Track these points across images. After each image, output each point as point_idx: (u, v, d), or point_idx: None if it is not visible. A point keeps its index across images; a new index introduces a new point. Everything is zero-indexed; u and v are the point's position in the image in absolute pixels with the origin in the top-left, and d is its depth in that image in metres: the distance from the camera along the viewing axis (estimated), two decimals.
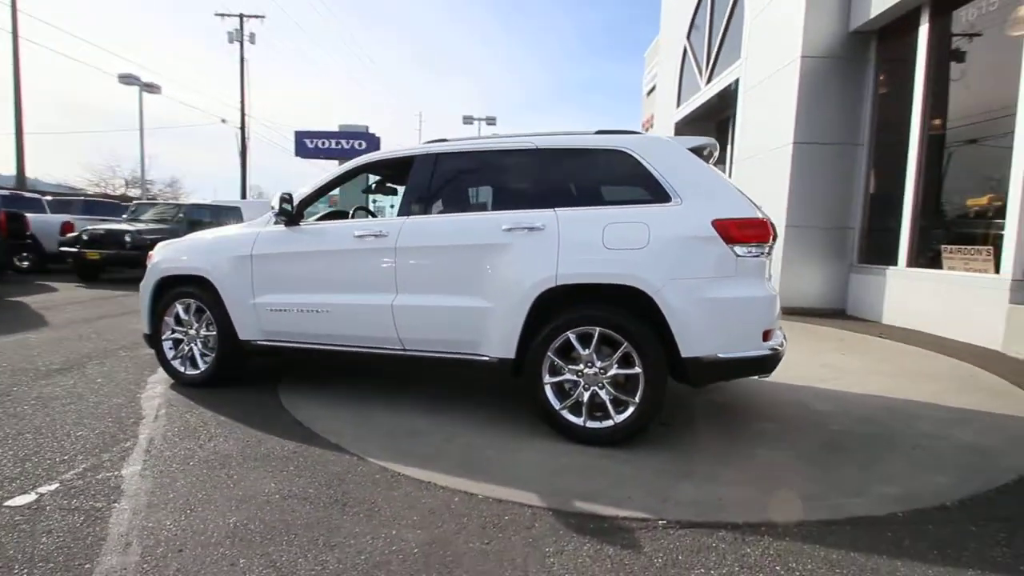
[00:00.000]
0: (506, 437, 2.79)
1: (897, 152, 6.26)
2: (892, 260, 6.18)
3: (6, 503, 2.03)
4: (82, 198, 13.40)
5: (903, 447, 2.72)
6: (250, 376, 3.76)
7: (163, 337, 3.61)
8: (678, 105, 11.55)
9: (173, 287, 3.60)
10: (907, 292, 5.89)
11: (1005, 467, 2.50)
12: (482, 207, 3.05)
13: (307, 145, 27.37)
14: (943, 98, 5.83)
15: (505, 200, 2.99)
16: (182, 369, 3.58)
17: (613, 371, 2.62)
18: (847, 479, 2.36)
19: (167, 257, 3.66)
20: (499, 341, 2.80)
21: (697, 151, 2.83)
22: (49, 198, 11.68)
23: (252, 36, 25.09)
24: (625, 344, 2.57)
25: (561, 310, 2.70)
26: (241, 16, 25.07)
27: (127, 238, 9.21)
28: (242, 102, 25.08)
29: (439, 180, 3.11)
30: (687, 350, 2.52)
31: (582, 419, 2.68)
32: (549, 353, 2.71)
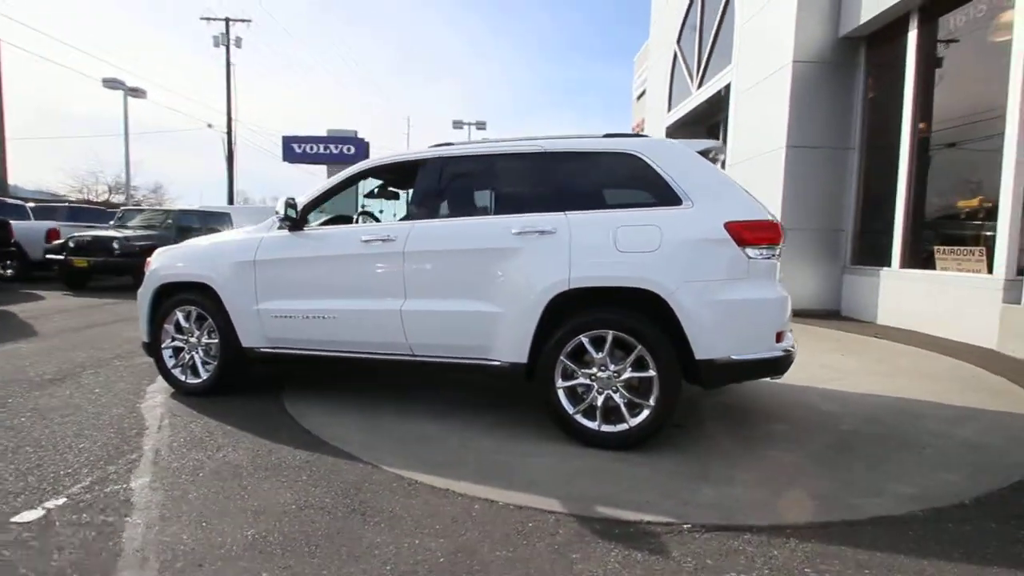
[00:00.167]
0: (518, 442, 2.77)
1: (888, 155, 6.38)
2: (885, 261, 6.28)
3: (13, 519, 1.97)
4: (67, 204, 13.12)
5: (913, 446, 2.75)
6: (252, 384, 3.69)
7: (163, 345, 3.53)
8: (669, 109, 11.66)
9: (173, 294, 3.52)
10: (901, 293, 5.98)
11: (1014, 464, 2.53)
12: (490, 211, 3.03)
13: (295, 150, 27.10)
14: (933, 102, 5.95)
15: (513, 204, 2.97)
16: (183, 378, 3.50)
17: (627, 374, 2.62)
18: (862, 479, 2.38)
19: (166, 264, 3.59)
20: (511, 346, 2.78)
21: (704, 154, 2.85)
22: (32, 205, 11.43)
23: (238, 40, 24.87)
24: (639, 347, 2.57)
25: (573, 314, 2.70)
26: (227, 20, 24.85)
27: (115, 245, 9.03)
28: (228, 107, 24.82)
29: (446, 184, 3.10)
30: (701, 352, 2.52)
31: (596, 423, 2.67)
32: (562, 357, 2.70)
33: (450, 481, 2.33)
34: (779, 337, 2.59)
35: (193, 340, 3.48)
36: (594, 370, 2.67)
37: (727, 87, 8.73)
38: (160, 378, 3.80)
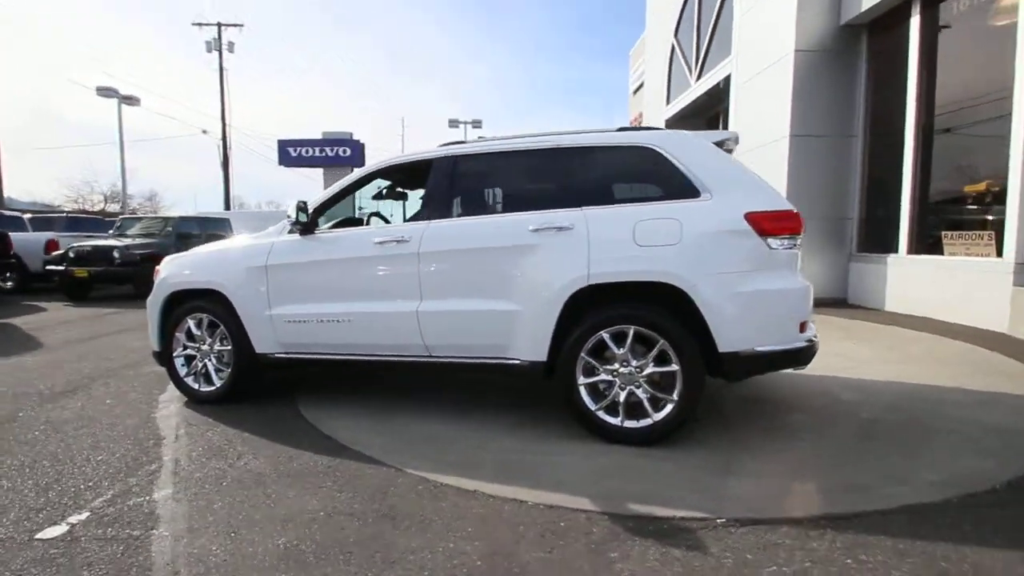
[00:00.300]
0: (539, 440, 2.75)
1: (892, 142, 6.36)
2: (892, 248, 6.27)
3: (37, 536, 1.93)
4: (64, 215, 13.04)
5: (937, 433, 2.73)
6: (265, 390, 3.66)
7: (175, 354, 3.49)
8: (668, 102, 11.63)
9: (183, 302, 3.49)
10: (908, 279, 5.98)
11: None
12: (505, 209, 3.00)
13: (290, 154, 26.97)
14: (936, 87, 5.93)
15: (528, 201, 2.94)
16: (196, 386, 3.47)
17: (650, 369, 2.59)
18: (891, 467, 2.36)
19: (175, 272, 3.55)
20: (530, 344, 2.76)
21: (719, 145, 2.82)
22: (29, 216, 11.35)
23: (231, 45, 24.74)
24: (661, 342, 2.55)
25: (593, 310, 2.67)
26: (219, 25, 24.71)
27: (115, 254, 8.98)
28: (223, 112, 24.70)
29: (459, 183, 3.06)
30: (724, 345, 2.50)
31: (619, 419, 2.65)
32: (582, 354, 2.67)
33: (476, 482, 2.30)
34: (802, 327, 2.57)
35: (205, 348, 3.45)
36: (616, 366, 2.64)
37: (727, 78, 8.70)
38: (171, 387, 3.77)
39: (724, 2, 8.93)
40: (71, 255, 8.93)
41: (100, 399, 3.62)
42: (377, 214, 3.75)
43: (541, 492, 2.20)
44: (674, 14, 11.02)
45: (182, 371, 3.49)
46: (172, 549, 1.84)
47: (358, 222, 3.67)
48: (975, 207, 5.54)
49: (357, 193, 3.59)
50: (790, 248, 2.56)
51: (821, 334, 5.05)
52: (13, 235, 9.03)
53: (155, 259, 9.45)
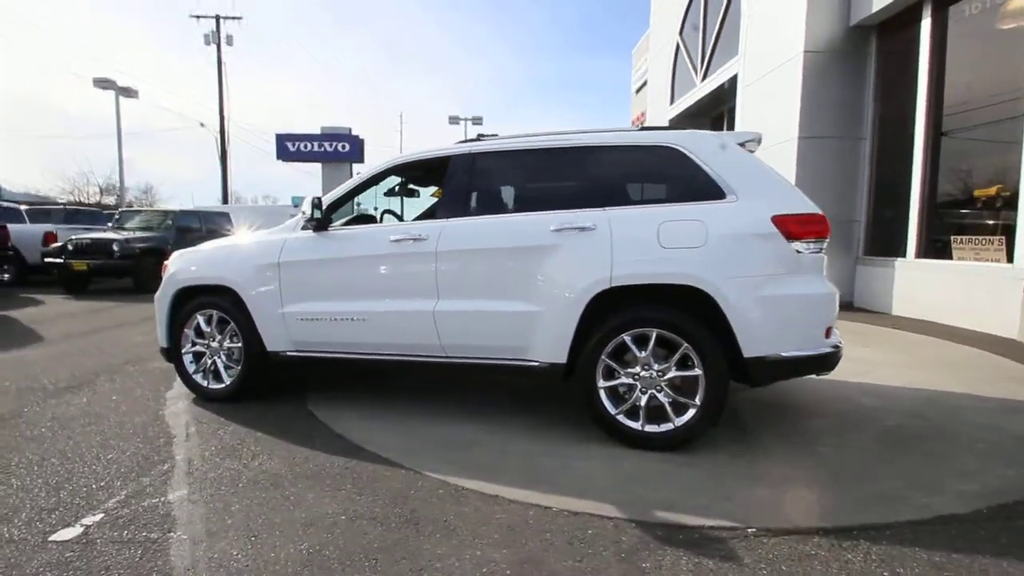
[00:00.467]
0: (558, 444, 2.71)
1: (900, 145, 6.35)
2: (900, 252, 6.26)
3: (51, 538, 1.88)
4: (62, 207, 12.89)
5: (962, 441, 2.71)
6: (275, 388, 3.60)
7: (183, 351, 3.43)
8: (672, 102, 11.59)
9: (193, 298, 3.42)
10: (916, 283, 5.96)
11: None
12: (524, 208, 2.94)
13: (288, 148, 26.76)
14: (947, 90, 5.91)
15: (549, 200, 2.90)
16: (205, 383, 3.41)
17: (672, 373, 2.56)
18: (920, 476, 2.33)
19: (184, 267, 3.48)
20: (549, 346, 2.71)
21: (741, 146, 2.78)
22: (25, 207, 11.21)
23: (229, 38, 24.51)
24: (684, 345, 2.51)
25: (614, 312, 2.63)
26: (217, 17, 24.48)
27: (115, 247, 8.88)
28: (221, 105, 24.49)
29: (478, 181, 3.01)
30: (749, 350, 2.46)
31: (639, 423, 2.61)
32: (603, 357, 2.63)
33: (498, 487, 2.26)
34: (827, 333, 2.54)
35: (215, 345, 3.39)
36: (637, 369, 2.60)
37: (733, 78, 8.66)
38: (178, 384, 3.71)
39: (731, 2, 8.89)
40: (70, 248, 8.82)
41: (106, 395, 3.56)
42: (391, 211, 3.69)
43: (565, 498, 2.16)
44: (679, 13, 10.97)
45: (191, 368, 3.43)
46: (192, 553, 1.79)
47: (370, 219, 3.61)
48: (985, 212, 5.53)
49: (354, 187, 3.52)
50: (817, 252, 2.53)
51: None
52: (11, 227, 8.92)
53: (155, 253, 9.45)
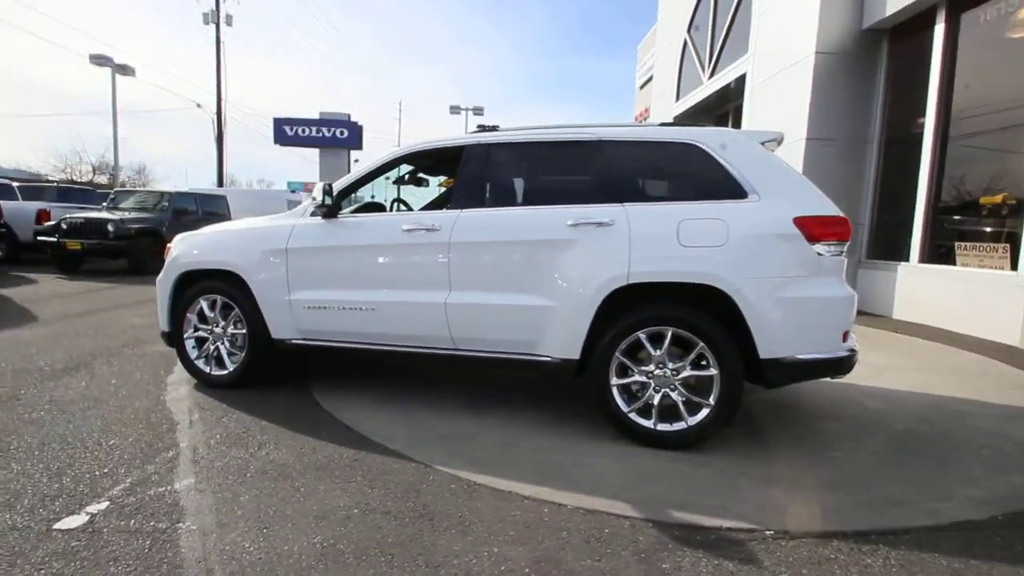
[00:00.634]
0: (570, 440, 2.68)
1: (907, 149, 6.33)
2: (903, 256, 6.27)
3: (56, 526, 1.83)
4: (55, 184, 12.66)
5: (969, 447, 2.71)
6: (278, 375, 3.55)
7: (185, 336, 3.37)
8: (677, 99, 11.53)
9: (196, 282, 3.36)
10: (919, 288, 5.98)
11: None
12: (539, 201, 2.88)
13: (286, 132, 26.46)
14: (957, 96, 5.90)
15: (565, 194, 2.85)
16: (207, 369, 3.35)
17: (686, 372, 2.53)
18: (930, 481, 2.33)
19: (188, 251, 3.41)
20: (562, 341, 2.68)
21: (762, 145, 2.74)
22: (18, 184, 10.99)
23: (229, 18, 24.07)
24: (700, 345, 2.48)
25: (629, 309, 2.59)
26: None
27: (109, 227, 8.74)
28: (218, 86, 24.08)
29: (493, 172, 2.96)
30: (766, 351, 2.44)
31: (652, 421, 2.59)
32: (617, 354, 2.60)
33: (510, 482, 2.23)
34: (845, 336, 2.52)
35: (218, 330, 3.33)
36: (651, 367, 2.58)
37: (741, 77, 8.61)
38: (178, 368, 3.65)
39: (742, 0, 8.81)
40: (64, 227, 8.67)
41: (104, 378, 3.49)
42: (400, 200, 3.63)
43: (579, 495, 2.14)
44: (688, 10, 10.88)
45: (193, 353, 3.37)
46: (202, 545, 1.75)
47: (379, 207, 3.55)
48: (991, 219, 5.53)
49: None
50: (837, 255, 2.50)
51: None
52: (3, 204, 8.74)
53: (150, 234, 9.31)
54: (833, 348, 2.49)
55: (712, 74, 9.85)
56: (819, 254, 2.46)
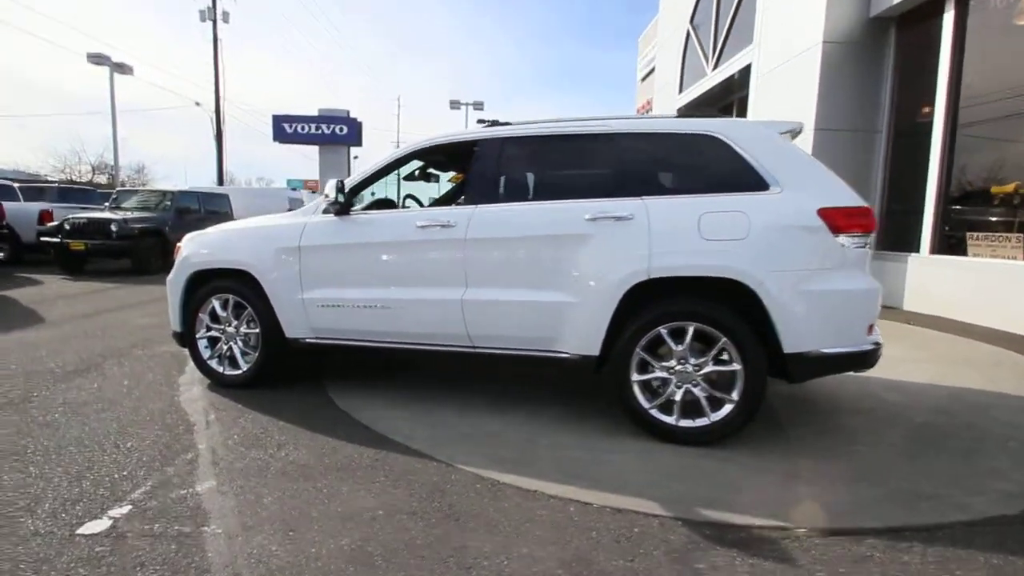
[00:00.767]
0: (589, 437, 2.66)
1: (916, 139, 6.28)
2: (913, 247, 6.22)
3: (79, 531, 1.80)
4: (56, 185, 12.61)
5: (994, 440, 2.68)
6: (291, 374, 3.52)
7: (198, 336, 3.34)
8: (680, 91, 11.45)
9: (207, 282, 3.32)
10: (930, 278, 5.94)
11: None
12: (556, 196, 2.84)
13: (285, 130, 26.30)
14: (967, 85, 5.84)
15: (583, 188, 2.81)
16: (220, 369, 3.32)
17: (709, 368, 2.50)
18: (959, 476, 2.30)
19: (199, 251, 3.37)
20: (582, 337, 2.65)
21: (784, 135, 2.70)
22: (18, 185, 10.94)
23: (226, 15, 23.89)
24: (723, 340, 2.45)
25: (650, 304, 2.56)
26: None
27: (113, 227, 8.69)
28: (216, 83, 23.93)
29: (508, 166, 2.91)
30: (790, 345, 2.41)
31: (674, 418, 2.56)
32: (638, 350, 2.57)
33: (534, 481, 2.21)
34: (869, 329, 2.49)
35: (231, 330, 3.29)
36: (672, 363, 2.55)
37: (746, 68, 8.54)
38: (190, 369, 3.63)
39: None
40: (67, 227, 8.63)
41: (116, 380, 3.47)
42: (412, 196, 3.59)
43: (605, 494, 2.11)
44: (690, 1, 10.78)
45: (205, 353, 3.34)
46: (229, 548, 1.72)
47: (390, 204, 3.51)
48: (1002, 208, 5.49)
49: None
50: (862, 246, 2.46)
51: None
52: (5, 204, 8.69)
53: (154, 234, 9.26)
54: (858, 341, 2.46)
55: (716, 65, 9.77)
56: (843, 246, 2.42)
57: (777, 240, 2.42)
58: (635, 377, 2.59)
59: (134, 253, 8.87)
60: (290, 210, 15.82)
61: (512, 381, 3.54)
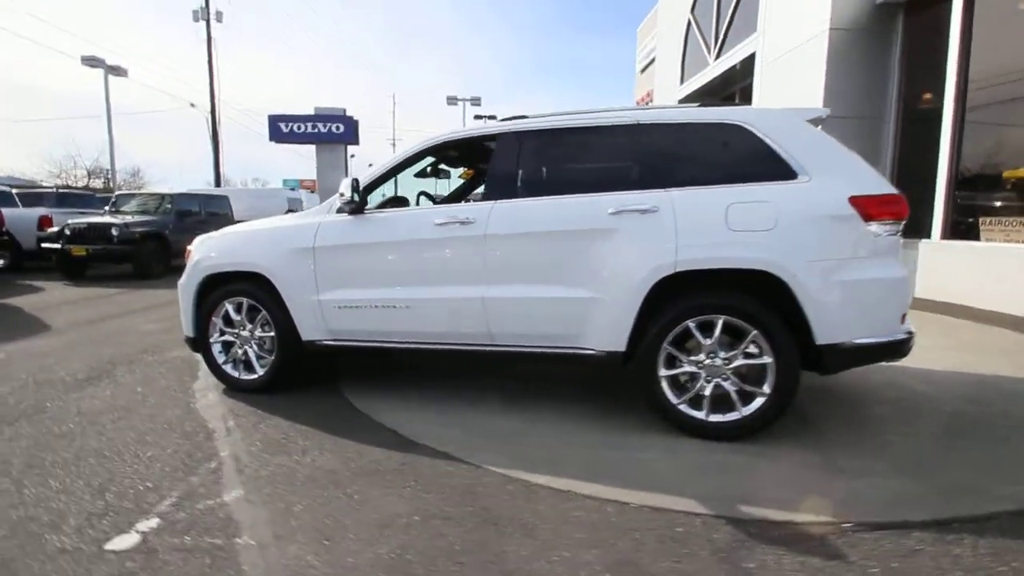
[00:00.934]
0: (616, 434, 2.61)
1: (924, 125, 6.22)
2: (924, 233, 6.17)
3: (107, 547, 1.75)
4: (54, 190, 12.49)
5: None
6: (306, 377, 3.46)
7: (211, 340, 3.28)
8: (682, 81, 11.36)
9: (220, 285, 3.26)
10: (942, 265, 5.89)
11: None
12: (577, 190, 2.77)
13: (281, 129, 26.00)
14: (977, 70, 5.77)
15: (604, 181, 2.75)
16: (236, 374, 3.27)
17: (739, 361, 2.46)
18: (998, 465, 2.26)
19: (210, 254, 3.31)
20: (607, 333, 2.60)
21: (811, 123, 2.64)
22: (16, 191, 10.83)
23: (219, 14, 23.66)
24: (753, 332, 2.40)
25: (677, 298, 2.51)
26: None
27: (114, 231, 8.60)
28: (211, 84, 23.73)
29: (527, 161, 2.85)
30: (823, 337, 2.36)
31: (703, 413, 2.51)
32: (665, 344, 2.52)
33: (566, 481, 2.16)
34: (902, 319, 2.44)
35: (245, 334, 3.24)
36: (701, 357, 2.50)
37: (750, 57, 8.46)
38: (203, 374, 3.57)
39: None
40: (67, 232, 8.54)
41: (129, 387, 3.41)
42: (425, 193, 3.52)
43: (640, 492, 2.07)
44: None
45: (220, 358, 3.29)
46: (264, 560, 1.67)
47: (403, 201, 3.45)
48: (1015, 193, 5.44)
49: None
50: (893, 234, 2.42)
51: None
52: (4, 211, 8.59)
53: (155, 237, 9.18)
54: (892, 331, 2.41)
55: (719, 55, 9.69)
56: (875, 234, 2.37)
57: (808, 230, 2.37)
58: (663, 372, 2.54)
59: (136, 257, 8.78)
60: (290, 210, 15.73)
61: (535, 379, 3.49)
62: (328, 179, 25.28)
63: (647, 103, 14.92)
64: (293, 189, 23.83)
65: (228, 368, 3.28)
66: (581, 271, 2.62)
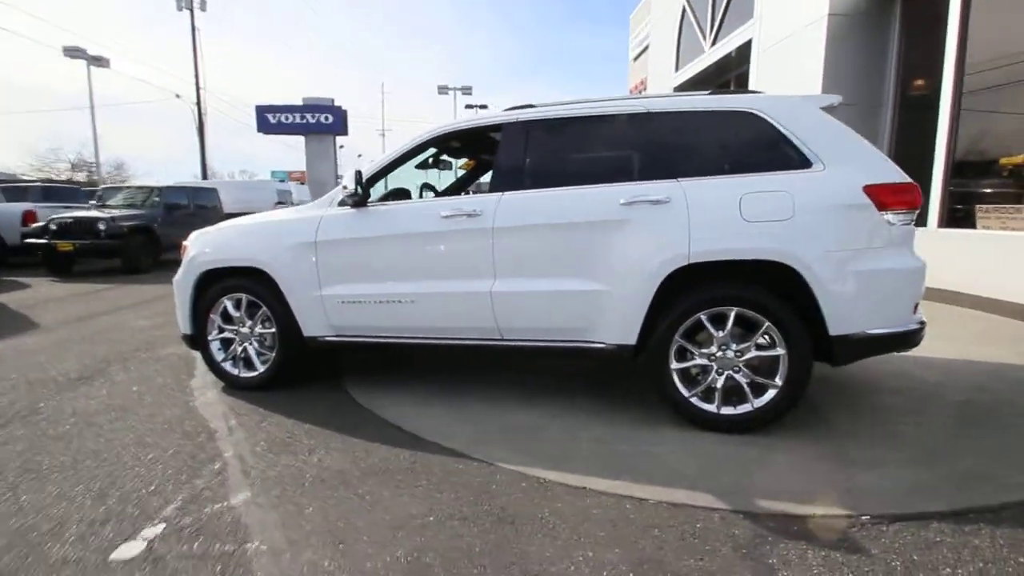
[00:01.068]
0: (627, 428, 2.58)
1: (921, 112, 6.21)
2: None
3: (112, 556, 1.69)
4: (38, 184, 12.19)
5: None
6: (307, 374, 3.39)
7: (210, 337, 3.20)
8: (677, 69, 11.28)
9: (218, 281, 3.17)
10: (939, 253, 5.91)
11: None
12: (586, 180, 2.71)
13: (269, 120, 25.70)
14: (975, 56, 5.76)
15: (614, 172, 2.70)
16: (235, 371, 3.19)
17: (751, 353, 2.43)
18: (1010, 454, 2.26)
19: (207, 249, 3.21)
20: (618, 326, 2.56)
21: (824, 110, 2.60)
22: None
23: (203, 2, 23.11)
24: (766, 324, 2.37)
25: (689, 290, 2.47)
26: None
27: (101, 226, 8.41)
28: (196, 74, 23.24)
29: (534, 151, 2.78)
30: (836, 328, 2.34)
31: (715, 405, 2.49)
32: (677, 337, 2.49)
33: (581, 477, 2.13)
34: (915, 308, 2.43)
35: (245, 330, 3.16)
36: (712, 349, 2.47)
37: (747, 43, 8.39)
38: (200, 372, 3.50)
39: None
40: (53, 227, 8.33)
41: (124, 386, 3.33)
42: (428, 185, 3.45)
43: (657, 488, 2.04)
44: None
45: (219, 356, 3.21)
46: (278, 567, 1.63)
47: (405, 194, 3.37)
48: (1011, 180, 5.46)
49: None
50: (908, 223, 2.39)
51: None
52: None
53: (143, 231, 8.99)
54: (904, 321, 2.40)
55: (714, 42, 9.61)
56: (890, 223, 2.34)
57: (823, 220, 2.34)
58: (674, 365, 2.52)
59: (124, 252, 8.60)
60: (279, 202, 15.36)
61: (539, 372, 3.45)
62: (317, 170, 24.96)
63: (640, 91, 14.82)
64: (282, 181, 23.48)
65: (227, 365, 3.20)
66: (591, 264, 2.57)
